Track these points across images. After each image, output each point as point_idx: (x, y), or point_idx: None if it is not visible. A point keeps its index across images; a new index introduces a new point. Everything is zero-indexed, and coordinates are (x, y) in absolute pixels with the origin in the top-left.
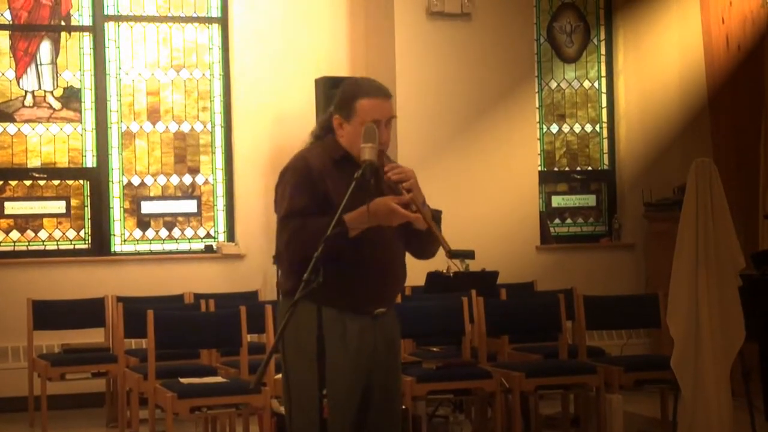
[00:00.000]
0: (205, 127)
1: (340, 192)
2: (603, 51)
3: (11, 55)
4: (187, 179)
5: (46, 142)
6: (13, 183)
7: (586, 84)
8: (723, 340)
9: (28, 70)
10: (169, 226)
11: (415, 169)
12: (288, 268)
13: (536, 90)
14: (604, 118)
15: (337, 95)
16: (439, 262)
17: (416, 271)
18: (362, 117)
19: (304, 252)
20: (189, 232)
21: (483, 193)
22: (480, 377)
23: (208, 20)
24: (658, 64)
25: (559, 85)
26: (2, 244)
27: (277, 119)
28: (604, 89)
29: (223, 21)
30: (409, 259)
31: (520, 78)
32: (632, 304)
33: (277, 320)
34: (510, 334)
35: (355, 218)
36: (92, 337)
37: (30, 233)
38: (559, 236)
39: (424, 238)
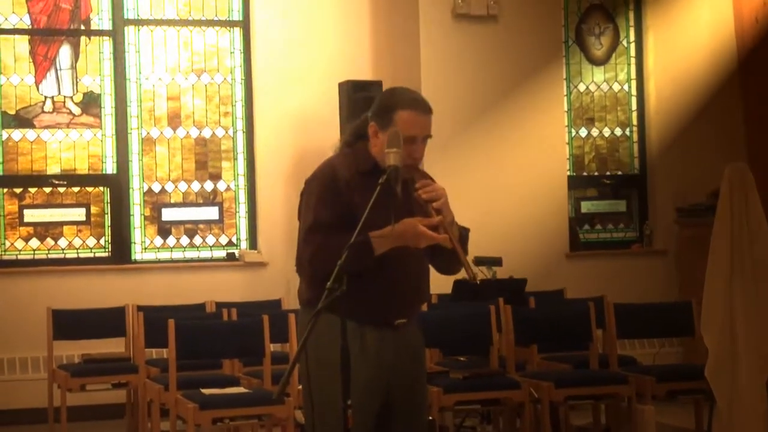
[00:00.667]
0: (226, 132)
1: (366, 203)
2: (633, 53)
3: (31, 60)
4: (209, 186)
5: (66, 148)
6: (33, 190)
7: (616, 87)
8: (759, 349)
9: (48, 75)
10: (191, 234)
11: (441, 174)
12: (309, 279)
13: (565, 93)
14: (635, 121)
15: (376, 101)
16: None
17: (443, 278)
18: (399, 128)
19: (326, 270)
20: (210, 240)
21: (511, 198)
22: (508, 387)
23: (230, 23)
24: (689, 66)
25: (588, 87)
26: (22, 252)
27: (299, 124)
28: (634, 92)
29: (245, 24)
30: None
31: (548, 81)
32: (664, 312)
33: (298, 331)
34: (539, 343)
35: (380, 238)
36: (112, 347)
37: (50, 241)
38: (589, 242)
39: (450, 257)
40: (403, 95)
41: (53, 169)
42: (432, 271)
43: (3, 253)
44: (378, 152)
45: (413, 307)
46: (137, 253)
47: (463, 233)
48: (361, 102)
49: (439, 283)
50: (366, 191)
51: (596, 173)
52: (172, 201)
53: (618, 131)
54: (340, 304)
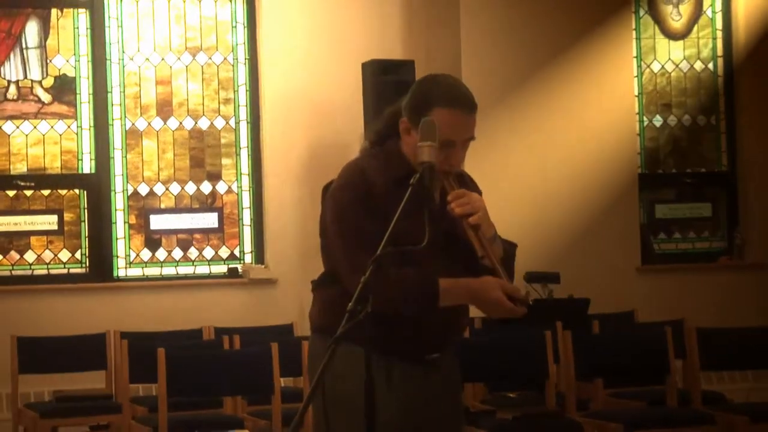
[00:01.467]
0: (227, 123)
1: (406, 225)
2: (719, 25)
3: None
4: (206, 187)
5: (34, 143)
6: None
7: (698, 66)
8: None
9: (12, 55)
10: (185, 246)
11: (484, 174)
12: (327, 300)
13: (635, 74)
14: (722, 107)
15: (410, 92)
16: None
17: None
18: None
19: (387, 309)
20: (208, 253)
21: (569, 201)
22: (568, 430)
23: None
24: None
25: (663, 67)
26: None
27: (315, 112)
28: (720, 72)
29: None
30: None
31: (614, 59)
32: (759, 339)
33: (309, 362)
34: (605, 377)
35: (452, 289)
36: (90, 382)
37: (14, 255)
38: (666, 254)
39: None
40: (442, 88)
41: (18, 168)
42: None
43: None
44: (411, 153)
45: (450, 337)
46: (120, 269)
47: (509, 251)
48: (390, 86)
49: None
50: (400, 200)
51: (674, 170)
52: (163, 206)
53: (701, 119)
54: (362, 330)
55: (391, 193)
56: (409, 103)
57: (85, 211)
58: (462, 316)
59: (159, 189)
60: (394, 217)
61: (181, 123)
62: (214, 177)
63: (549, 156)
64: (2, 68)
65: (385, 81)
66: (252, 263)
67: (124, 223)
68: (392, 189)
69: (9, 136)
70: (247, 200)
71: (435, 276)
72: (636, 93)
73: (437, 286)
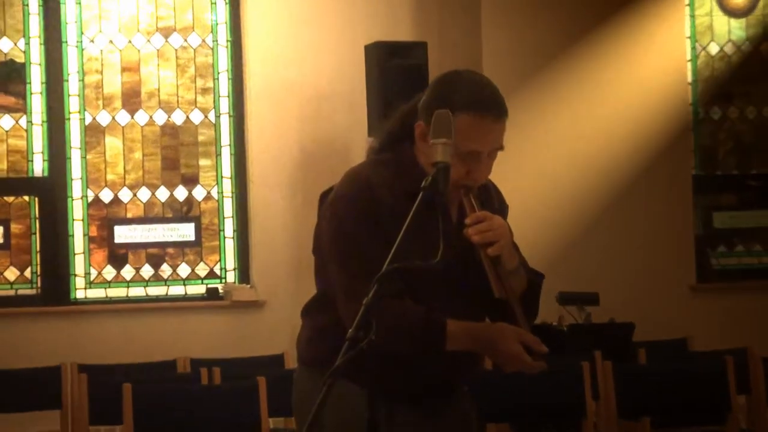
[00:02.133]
0: (206, 117)
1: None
2: None
3: None
4: (181, 193)
5: None
6: None
7: (764, 48)
8: None
9: None
10: (156, 262)
11: (510, 177)
12: (319, 326)
13: (688, 57)
14: None
15: (428, 91)
16: (547, 310)
17: None
18: (457, 139)
19: (384, 342)
20: (184, 270)
21: (610, 209)
22: None
23: None
24: None
25: (722, 49)
26: None
27: (310, 105)
28: None
29: None
30: None
31: (663, 40)
32: None
33: (295, 400)
34: (652, 416)
35: (461, 334)
36: (43, 423)
37: None
38: (726, 271)
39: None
40: (466, 87)
41: None
42: None
43: None
44: (426, 162)
45: (462, 373)
46: (79, 290)
47: (533, 282)
48: (398, 73)
49: None
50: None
51: (735, 172)
52: (129, 215)
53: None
54: (362, 365)
55: (401, 210)
56: (426, 104)
57: (37, 221)
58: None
59: (125, 195)
60: (402, 236)
61: (151, 117)
62: (191, 181)
63: (582, 152)
64: None
65: (393, 66)
66: (235, 282)
67: (84, 235)
68: (403, 205)
69: None
70: (229, 208)
71: (442, 317)
72: (689, 80)
73: (444, 331)
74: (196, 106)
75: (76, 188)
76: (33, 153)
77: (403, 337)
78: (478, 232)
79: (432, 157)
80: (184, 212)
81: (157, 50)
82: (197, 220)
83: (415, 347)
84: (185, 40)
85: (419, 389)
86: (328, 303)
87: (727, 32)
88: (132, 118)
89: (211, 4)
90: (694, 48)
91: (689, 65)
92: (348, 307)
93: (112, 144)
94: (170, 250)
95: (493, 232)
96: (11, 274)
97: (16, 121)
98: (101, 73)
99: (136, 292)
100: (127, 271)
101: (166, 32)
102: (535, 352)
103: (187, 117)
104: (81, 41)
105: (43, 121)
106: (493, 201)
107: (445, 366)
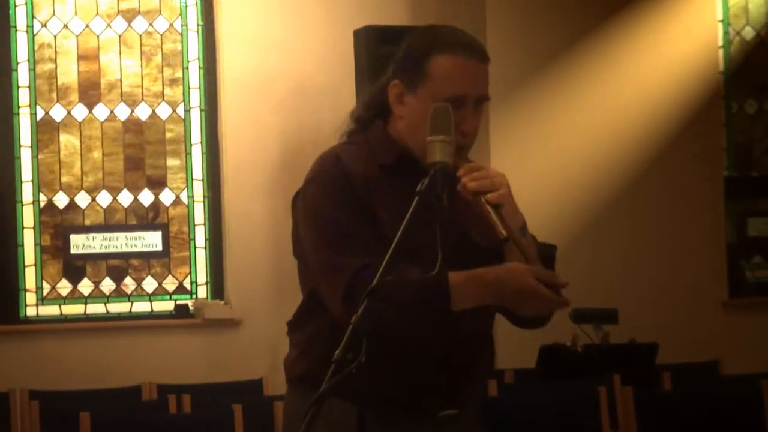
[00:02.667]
0: (174, 111)
1: (395, 216)
2: None
3: None
4: (147, 197)
5: None
6: None
7: None
8: None
9: None
10: (118, 275)
11: (517, 176)
12: (307, 341)
13: (720, 43)
14: None
15: (403, 46)
16: (559, 328)
17: (522, 342)
18: (438, 85)
19: (399, 326)
20: (150, 285)
21: (631, 215)
22: None
23: None
24: None
25: (758, 34)
26: None
27: (292, 96)
28: None
29: None
30: (509, 327)
31: (692, 22)
32: None
33: (284, 424)
34: None
35: (466, 283)
36: None
37: None
38: (762, 284)
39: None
40: (440, 34)
41: None
42: (502, 325)
43: None
44: (406, 126)
45: (467, 386)
46: (29, 307)
47: (545, 252)
48: (390, 61)
49: (518, 350)
50: (389, 194)
51: None
52: (87, 222)
53: None
54: (353, 382)
55: (375, 183)
56: (401, 59)
57: None
58: (485, 355)
59: (82, 200)
60: (379, 212)
61: (112, 111)
62: (157, 183)
63: (599, 152)
64: None
65: (385, 54)
66: (207, 298)
67: (35, 245)
68: (377, 178)
69: None
70: (200, 214)
71: (441, 272)
72: (721, 69)
73: (446, 283)
74: (163, 99)
75: (27, 192)
76: None
77: (406, 306)
78: (474, 180)
79: (429, 157)
80: (149, 219)
81: (119, 36)
82: (165, 228)
83: (420, 314)
84: (150, 25)
85: (421, 402)
86: (316, 308)
87: (765, 14)
88: (90, 112)
89: None
90: (726, 33)
91: (721, 52)
92: (333, 285)
93: (68, 142)
94: (134, 262)
95: (490, 180)
96: None
97: None
98: (55, 61)
99: (96, 309)
100: (85, 286)
101: (129, 15)
102: (556, 288)
103: (153, 111)
104: (32, 25)
105: None
106: None
107: (450, 371)
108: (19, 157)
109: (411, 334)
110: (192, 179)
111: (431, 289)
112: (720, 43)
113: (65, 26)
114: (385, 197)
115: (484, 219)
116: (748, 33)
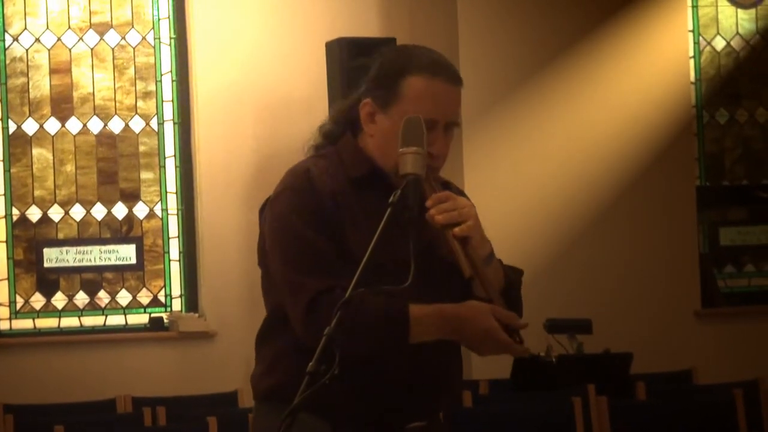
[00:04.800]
0: (147, 125)
1: (361, 230)
2: None
3: None
4: (120, 211)
5: None
6: None
7: None
8: None
9: None
10: (91, 289)
11: (491, 191)
12: (273, 355)
13: (691, 54)
14: None
15: (375, 64)
16: (534, 339)
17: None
18: (410, 106)
19: (355, 350)
20: (124, 298)
21: (603, 225)
22: None
23: None
24: None
25: (729, 44)
26: None
27: (265, 109)
28: None
29: None
30: None
31: (663, 33)
32: None
33: None
34: None
35: (427, 317)
36: None
37: None
38: (734, 294)
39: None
40: (414, 55)
41: None
42: None
43: None
44: (376, 145)
45: (437, 398)
46: (3, 321)
47: (511, 278)
48: (363, 73)
49: (492, 362)
50: (360, 209)
51: (745, 182)
52: (61, 236)
53: None
54: (326, 397)
55: (344, 199)
56: (373, 76)
57: None
58: (454, 368)
59: (55, 213)
60: (348, 228)
61: (85, 125)
62: (131, 197)
63: (572, 162)
64: None
65: (357, 66)
66: (182, 311)
67: (8, 259)
68: (347, 192)
69: None
70: (174, 227)
71: (404, 303)
72: (692, 79)
73: (406, 316)
74: (136, 113)
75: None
76: None
77: (364, 333)
78: (442, 212)
79: (401, 168)
80: (123, 232)
81: (91, 49)
82: (139, 241)
83: (378, 341)
84: (123, 38)
85: (390, 416)
86: (280, 323)
87: (735, 25)
88: (63, 126)
89: None
90: (697, 43)
91: (692, 62)
92: (296, 303)
93: (41, 156)
94: (108, 275)
95: (458, 211)
96: None
97: None
98: (27, 75)
99: (69, 322)
100: (59, 299)
101: (102, 29)
102: (514, 332)
103: (126, 125)
104: (3, 39)
105: None
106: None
107: (419, 385)
108: None
109: (366, 358)
110: (166, 192)
111: (392, 319)
112: (691, 53)
113: (37, 40)
114: (354, 213)
115: (449, 253)
116: (719, 43)
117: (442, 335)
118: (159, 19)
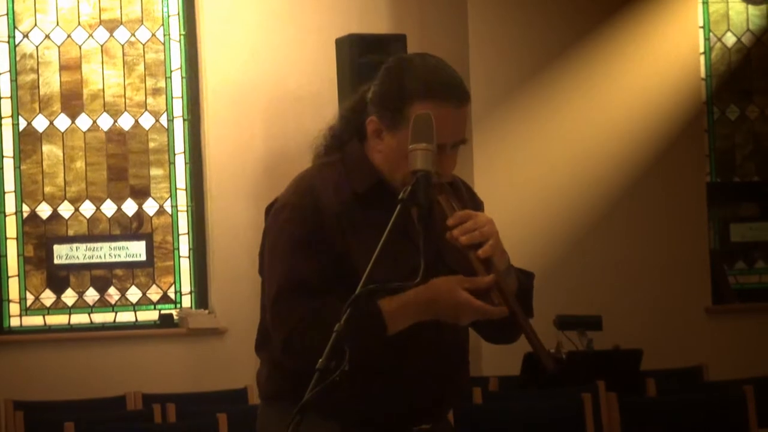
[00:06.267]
0: (157, 121)
1: (366, 248)
2: None
3: None
4: (130, 207)
5: None
6: None
7: None
8: None
9: None
10: (102, 286)
11: (500, 188)
12: (274, 364)
13: (701, 50)
14: None
15: (378, 81)
16: (544, 335)
17: (506, 350)
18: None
19: (309, 361)
20: (134, 295)
21: (613, 222)
22: None
23: None
24: None
25: (739, 40)
26: None
27: (275, 106)
28: None
29: None
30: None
31: (673, 30)
32: None
33: None
34: None
35: (398, 310)
36: None
37: None
38: (745, 290)
39: (503, 325)
40: (420, 73)
41: None
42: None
43: None
44: (383, 162)
45: (442, 401)
46: (13, 318)
47: (524, 283)
48: (373, 69)
49: (501, 357)
50: (366, 226)
51: (756, 178)
52: (71, 233)
53: None
54: (334, 397)
55: (349, 214)
56: (378, 96)
57: None
58: (460, 368)
59: (65, 210)
60: (352, 246)
61: (95, 122)
62: (141, 193)
63: (582, 158)
64: None
65: (367, 62)
66: (192, 308)
67: (19, 255)
68: (352, 211)
69: None
70: (184, 224)
71: (373, 301)
72: (703, 76)
73: (378, 308)
74: (146, 109)
75: (9, 202)
76: None
77: (348, 339)
78: (465, 232)
79: (411, 165)
80: (133, 229)
81: (101, 46)
82: (148, 238)
83: (363, 342)
84: (133, 35)
85: (396, 418)
86: None
87: (745, 21)
88: (73, 123)
89: None
90: (707, 39)
91: (702, 58)
92: (273, 323)
93: (51, 152)
94: (118, 272)
95: (479, 231)
96: None
97: None
98: (37, 72)
99: (80, 319)
100: (69, 296)
101: (111, 26)
102: (487, 296)
103: (136, 121)
104: (13, 36)
105: None
106: (464, 199)
107: (426, 386)
108: (2, 168)
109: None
110: (176, 189)
111: (370, 318)
112: (701, 49)
113: (47, 36)
114: (360, 234)
115: (469, 268)
116: (729, 39)
117: (417, 316)
118: (169, 16)
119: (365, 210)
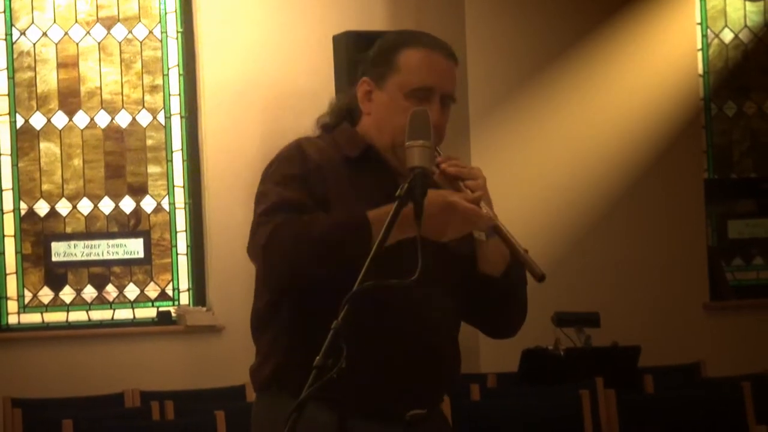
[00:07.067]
0: (154, 119)
1: (344, 204)
2: None
3: None
4: (127, 205)
5: None
6: None
7: None
8: None
9: None
10: (99, 283)
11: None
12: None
13: (699, 46)
14: None
15: (371, 51)
16: (542, 332)
17: (505, 346)
18: (405, 76)
19: (292, 263)
20: (131, 292)
21: (612, 218)
22: None
23: None
24: None
25: (737, 36)
26: None
27: (272, 103)
28: None
29: None
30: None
31: (671, 26)
32: None
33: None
34: None
35: (384, 215)
36: None
37: None
38: (742, 287)
39: (500, 288)
40: (415, 32)
41: None
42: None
43: None
44: (372, 123)
45: (433, 386)
46: (11, 315)
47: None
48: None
49: (499, 353)
50: (351, 185)
51: (753, 175)
52: (69, 230)
53: None
54: (332, 389)
55: (336, 169)
56: (372, 57)
57: None
58: (448, 348)
59: (63, 207)
60: (337, 197)
61: (92, 119)
62: (138, 191)
63: (580, 155)
64: None
65: (364, 58)
66: (190, 305)
67: (16, 253)
68: (338, 168)
69: None
70: (182, 221)
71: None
72: (700, 72)
73: (365, 216)
74: (143, 107)
75: (7, 200)
76: None
77: (328, 242)
78: (453, 165)
79: (408, 161)
80: (131, 226)
81: (99, 43)
82: (146, 235)
83: (339, 247)
84: (130, 32)
85: (381, 403)
86: (271, 312)
87: (743, 17)
88: (70, 120)
89: None
90: (705, 35)
91: (700, 55)
92: (257, 232)
93: (48, 150)
94: (116, 269)
95: (468, 168)
96: None
97: None
98: (34, 69)
99: (77, 316)
100: (67, 294)
101: (108, 23)
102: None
103: (134, 119)
104: (10, 33)
105: None
106: None
107: (412, 371)
108: None
109: (334, 264)
110: (173, 186)
111: (358, 226)
112: (699, 45)
113: (44, 34)
114: (342, 189)
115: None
116: (727, 35)
117: (404, 231)
118: (166, 13)
119: (352, 172)
